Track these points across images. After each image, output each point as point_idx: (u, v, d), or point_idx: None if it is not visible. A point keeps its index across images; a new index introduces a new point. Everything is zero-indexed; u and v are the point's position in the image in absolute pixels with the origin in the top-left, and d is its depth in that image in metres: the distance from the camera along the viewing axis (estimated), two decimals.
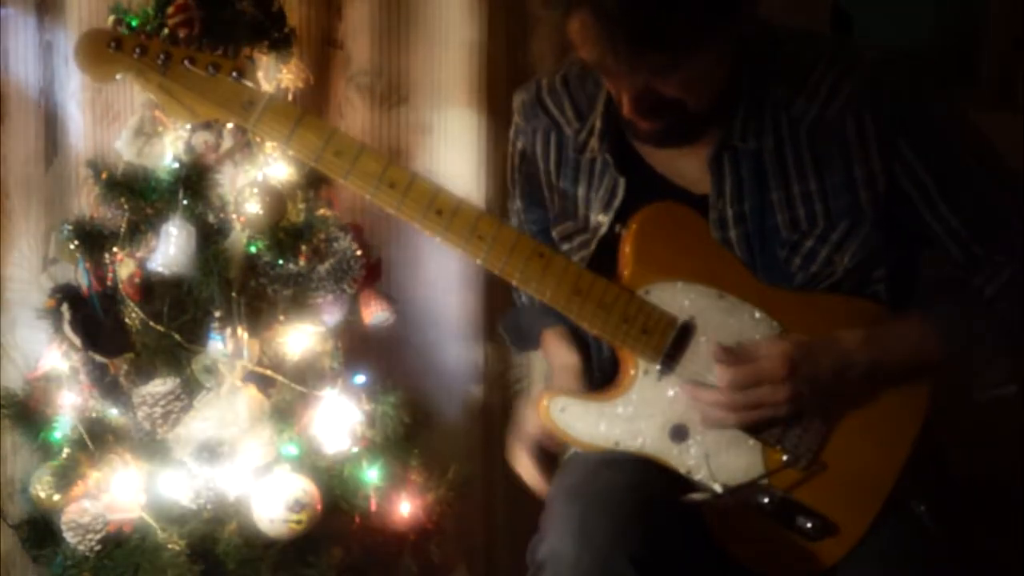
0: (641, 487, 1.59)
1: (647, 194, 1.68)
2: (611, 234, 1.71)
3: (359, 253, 2.07)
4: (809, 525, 1.63)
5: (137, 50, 1.57)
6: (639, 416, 1.64)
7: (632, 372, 1.64)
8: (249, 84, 1.55)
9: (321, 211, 2.10)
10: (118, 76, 1.61)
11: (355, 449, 2.11)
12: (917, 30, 3.13)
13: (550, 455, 1.81)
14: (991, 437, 2.51)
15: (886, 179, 1.64)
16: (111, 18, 1.66)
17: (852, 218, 1.65)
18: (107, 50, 1.59)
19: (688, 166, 1.70)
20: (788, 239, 1.66)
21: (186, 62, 1.56)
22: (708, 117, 1.64)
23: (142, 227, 2.05)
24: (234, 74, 1.55)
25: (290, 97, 2.09)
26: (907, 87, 1.65)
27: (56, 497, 2.05)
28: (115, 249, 2.05)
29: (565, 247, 1.77)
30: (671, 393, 1.64)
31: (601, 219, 1.73)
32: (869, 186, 1.64)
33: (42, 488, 2.06)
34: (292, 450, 2.06)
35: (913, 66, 1.67)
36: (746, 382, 1.59)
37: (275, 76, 2.09)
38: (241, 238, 2.03)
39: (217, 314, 2.01)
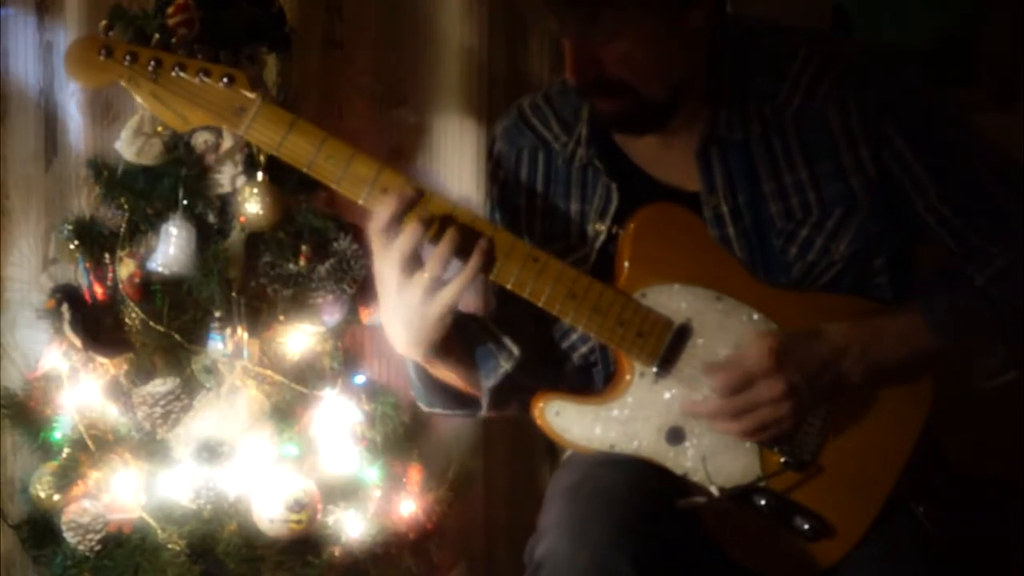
0: (641, 487, 1.58)
1: (640, 197, 1.68)
2: (611, 241, 1.71)
3: (359, 253, 2.07)
4: (807, 526, 1.63)
5: (128, 57, 1.55)
6: (635, 419, 1.64)
7: (628, 375, 1.64)
8: (242, 91, 1.54)
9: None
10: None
11: (355, 449, 2.11)
12: (917, 30, 3.12)
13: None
14: (991, 437, 2.50)
15: (876, 167, 1.64)
16: (102, 24, 1.64)
17: (846, 205, 1.65)
18: (98, 58, 1.57)
19: (676, 164, 1.70)
20: (784, 229, 1.66)
21: (176, 69, 1.55)
22: (674, 107, 1.64)
23: (142, 227, 2.06)
24: (225, 79, 1.54)
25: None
26: (889, 73, 1.66)
27: (56, 497, 2.05)
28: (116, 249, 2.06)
29: None
30: (667, 396, 1.63)
31: (599, 227, 1.72)
32: (859, 173, 1.64)
33: (42, 488, 2.07)
34: (292, 450, 2.06)
35: (896, 55, 1.68)
36: (737, 383, 1.58)
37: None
38: (241, 238, 2.04)
39: (217, 314, 2.02)
